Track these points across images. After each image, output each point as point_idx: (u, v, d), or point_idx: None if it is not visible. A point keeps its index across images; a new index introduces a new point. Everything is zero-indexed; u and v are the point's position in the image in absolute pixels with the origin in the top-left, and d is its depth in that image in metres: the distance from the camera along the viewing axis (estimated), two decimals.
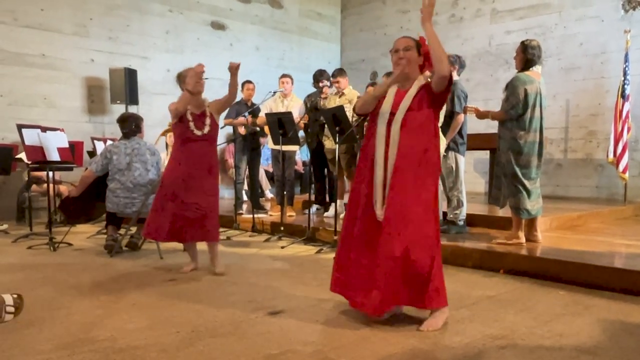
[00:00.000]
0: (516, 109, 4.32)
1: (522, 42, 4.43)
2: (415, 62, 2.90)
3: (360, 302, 2.86)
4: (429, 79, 2.83)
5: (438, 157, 2.94)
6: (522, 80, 4.33)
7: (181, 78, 4.13)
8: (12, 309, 2.66)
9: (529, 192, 4.40)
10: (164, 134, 7.00)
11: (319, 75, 6.48)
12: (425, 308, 2.82)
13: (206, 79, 4.05)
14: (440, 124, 4.36)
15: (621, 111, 7.13)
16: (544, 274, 3.91)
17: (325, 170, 6.75)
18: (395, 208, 2.76)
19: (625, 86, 7.13)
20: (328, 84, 6.46)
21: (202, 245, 4.28)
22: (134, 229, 5.22)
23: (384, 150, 2.83)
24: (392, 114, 2.83)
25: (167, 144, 7.11)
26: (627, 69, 7.13)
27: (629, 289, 3.50)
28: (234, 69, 4.01)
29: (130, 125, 5.09)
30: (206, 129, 4.02)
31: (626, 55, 7.14)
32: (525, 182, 4.38)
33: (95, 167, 5.00)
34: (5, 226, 6.38)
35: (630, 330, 2.83)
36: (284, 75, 6.82)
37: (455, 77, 4.84)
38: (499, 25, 8.91)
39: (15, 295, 2.71)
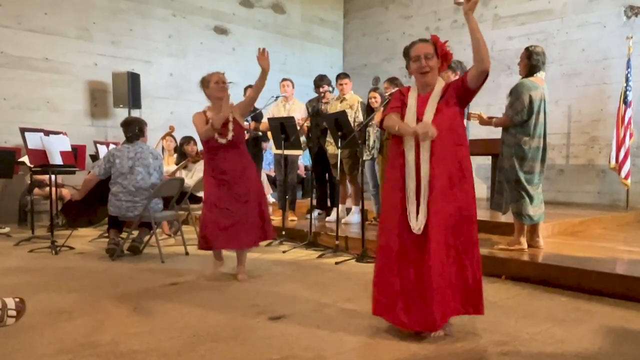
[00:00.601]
0: (521, 115, 4.32)
1: (527, 48, 4.44)
2: (436, 66, 2.80)
3: (411, 321, 2.69)
4: (452, 77, 2.76)
5: (468, 155, 2.82)
6: (526, 86, 4.33)
7: (204, 83, 4.08)
8: (14, 313, 2.66)
9: (531, 198, 4.40)
10: (164, 137, 7.01)
11: (319, 81, 6.50)
12: (480, 314, 2.77)
13: (230, 82, 4.03)
14: None
15: (623, 117, 7.13)
16: (545, 280, 3.90)
17: (327, 174, 6.75)
18: (438, 216, 2.65)
19: (628, 92, 7.14)
20: (330, 89, 6.47)
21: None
22: (135, 233, 5.22)
23: (414, 159, 2.72)
24: (419, 120, 2.73)
25: (163, 148, 7.12)
26: (629, 75, 7.14)
27: (630, 295, 3.49)
28: (264, 61, 4.14)
29: (134, 129, 5.10)
30: (230, 135, 3.94)
31: (628, 62, 7.15)
32: (529, 187, 4.38)
33: (98, 170, 5.01)
34: (7, 229, 6.39)
35: (632, 337, 2.83)
36: (284, 79, 6.84)
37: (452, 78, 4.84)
38: (501, 30, 8.92)
39: (17, 299, 2.71)
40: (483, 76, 2.67)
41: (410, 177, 2.72)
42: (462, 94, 2.75)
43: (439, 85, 2.79)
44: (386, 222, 2.83)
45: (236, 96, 5.23)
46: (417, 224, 2.68)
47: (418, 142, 2.70)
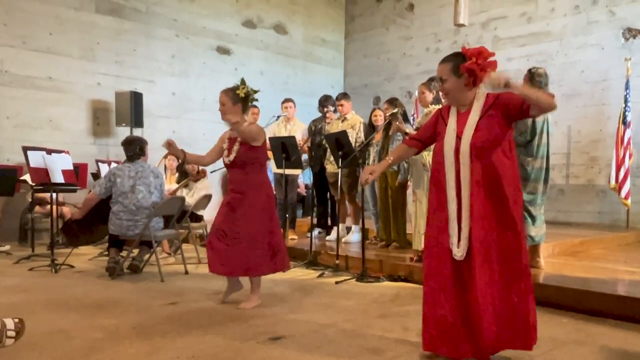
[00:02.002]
0: (524, 136, 4.35)
1: (529, 70, 4.49)
2: (456, 87, 2.63)
3: (464, 350, 2.59)
4: (496, 90, 2.53)
5: (516, 173, 2.65)
6: None
7: None
8: (13, 333, 2.65)
9: (533, 219, 4.41)
10: (166, 156, 7.03)
11: (324, 101, 6.56)
12: (529, 349, 2.60)
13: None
14: None
15: (622, 137, 7.17)
16: (546, 301, 3.87)
17: (328, 193, 6.77)
18: (480, 241, 2.52)
19: (627, 113, 7.18)
20: (332, 109, 6.53)
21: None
22: (136, 251, 5.22)
23: (454, 180, 2.60)
24: (459, 138, 2.61)
25: (165, 167, 7.14)
26: (628, 96, 7.19)
27: (632, 316, 3.47)
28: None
29: (135, 149, 5.13)
30: (232, 156, 3.78)
31: (627, 83, 7.21)
32: (531, 208, 4.39)
33: (99, 189, 5.02)
34: (7, 247, 6.38)
35: (634, 359, 2.81)
36: (286, 100, 6.89)
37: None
38: (501, 52, 8.99)
39: (16, 320, 2.71)
40: (543, 112, 2.68)
41: (451, 198, 2.60)
42: (516, 114, 2.58)
43: (479, 100, 2.64)
44: (431, 247, 2.70)
45: None
46: (459, 250, 2.57)
47: (458, 164, 2.58)
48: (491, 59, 2.62)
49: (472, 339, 2.54)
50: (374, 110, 6.12)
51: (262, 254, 3.79)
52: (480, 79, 2.58)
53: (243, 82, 3.84)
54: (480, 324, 2.49)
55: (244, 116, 3.87)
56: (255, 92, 3.86)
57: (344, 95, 6.41)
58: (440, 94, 2.79)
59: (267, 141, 6.16)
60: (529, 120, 4.30)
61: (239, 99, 3.79)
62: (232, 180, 3.86)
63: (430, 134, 2.85)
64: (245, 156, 3.77)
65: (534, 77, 4.42)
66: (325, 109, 6.50)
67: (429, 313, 2.65)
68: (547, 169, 4.44)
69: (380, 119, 5.86)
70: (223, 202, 3.91)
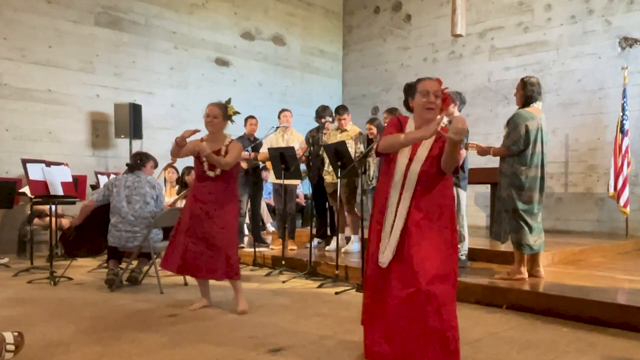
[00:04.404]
0: (518, 145, 4.36)
1: (522, 79, 4.51)
2: (439, 107, 2.77)
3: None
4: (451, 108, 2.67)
5: (452, 200, 2.81)
6: (523, 117, 4.39)
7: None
8: (12, 347, 2.64)
9: (531, 228, 4.40)
10: (166, 168, 7.04)
11: (322, 112, 6.58)
12: None
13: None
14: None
15: (620, 146, 7.20)
16: (547, 310, 3.88)
17: (327, 203, 6.77)
18: (416, 260, 2.61)
19: (624, 121, 7.21)
20: (330, 119, 6.54)
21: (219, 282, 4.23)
22: (135, 263, 5.21)
23: (397, 197, 2.71)
24: (413, 155, 2.73)
25: (165, 179, 7.14)
26: (625, 104, 7.23)
27: (632, 325, 3.47)
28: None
29: (135, 160, 5.18)
30: (218, 171, 3.96)
31: (624, 91, 7.25)
32: (527, 217, 4.39)
33: (97, 197, 5.07)
34: (6, 260, 6.37)
35: None
36: (283, 110, 6.92)
37: (456, 113, 4.91)
38: (498, 61, 9.06)
39: (15, 333, 2.70)
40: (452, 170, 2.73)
41: (390, 212, 2.72)
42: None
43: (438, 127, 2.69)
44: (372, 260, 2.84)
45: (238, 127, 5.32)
46: (386, 261, 2.69)
47: (405, 181, 2.70)
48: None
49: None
50: (367, 123, 6.16)
51: (237, 260, 4.07)
52: (442, 110, 2.75)
53: (229, 101, 4.13)
54: None
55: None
56: (236, 113, 4.17)
57: (344, 109, 6.37)
58: (416, 107, 2.80)
59: (266, 151, 6.24)
60: (522, 129, 4.32)
61: (227, 116, 4.08)
62: (212, 192, 3.99)
63: (398, 131, 2.83)
64: (227, 172, 4.00)
65: (526, 86, 4.44)
66: (323, 120, 6.51)
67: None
68: (543, 178, 4.45)
69: (373, 132, 5.90)
70: (199, 210, 3.97)
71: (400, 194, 2.71)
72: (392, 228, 2.70)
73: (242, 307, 4.00)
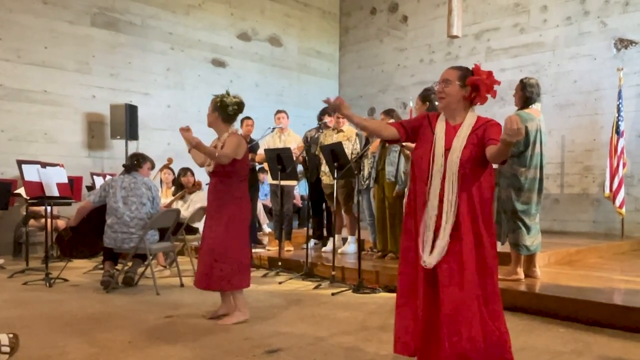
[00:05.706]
0: (518, 146, 4.36)
1: (521, 81, 4.52)
2: (457, 95, 2.60)
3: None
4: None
5: (492, 195, 2.72)
6: (522, 118, 4.38)
7: None
8: (7, 349, 2.63)
9: (528, 229, 4.41)
10: (162, 170, 7.02)
11: (322, 114, 6.57)
12: None
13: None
14: None
15: (616, 147, 7.22)
16: (543, 311, 3.88)
17: (324, 204, 6.77)
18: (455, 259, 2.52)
19: (620, 122, 7.24)
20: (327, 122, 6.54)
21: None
22: (130, 264, 5.19)
23: (439, 189, 2.54)
24: (447, 151, 2.56)
25: (161, 180, 7.11)
26: (620, 105, 7.25)
27: (629, 325, 3.47)
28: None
29: (132, 160, 5.18)
30: (212, 166, 3.75)
31: (619, 93, 7.27)
32: (525, 218, 4.40)
33: (94, 198, 5.05)
34: (1, 261, 6.33)
35: None
36: (279, 111, 6.91)
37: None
38: (494, 63, 9.06)
39: (11, 335, 2.68)
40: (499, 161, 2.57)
41: (432, 205, 2.55)
42: (483, 147, 2.56)
43: (471, 118, 2.63)
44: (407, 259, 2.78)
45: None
46: (430, 260, 2.54)
47: (445, 173, 2.54)
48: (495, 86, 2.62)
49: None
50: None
51: (229, 269, 3.69)
52: (480, 98, 2.61)
53: (227, 93, 3.88)
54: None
55: (230, 126, 3.90)
56: (239, 103, 3.85)
57: None
58: (436, 94, 2.72)
59: (263, 152, 6.23)
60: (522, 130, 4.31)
61: (216, 107, 3.83)
62: (210, 190, 3.85)
63: (413, 129, 2.75)
64: (223, 168, 3.72)
65: (525, 87, 4.45)
66: (323, 120, 6.50)
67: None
68: (541, 179, 4.45)
69: None
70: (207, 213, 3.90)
71: (442, 184, 2.55)
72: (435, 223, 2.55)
73: (225, 320, 3.72)
